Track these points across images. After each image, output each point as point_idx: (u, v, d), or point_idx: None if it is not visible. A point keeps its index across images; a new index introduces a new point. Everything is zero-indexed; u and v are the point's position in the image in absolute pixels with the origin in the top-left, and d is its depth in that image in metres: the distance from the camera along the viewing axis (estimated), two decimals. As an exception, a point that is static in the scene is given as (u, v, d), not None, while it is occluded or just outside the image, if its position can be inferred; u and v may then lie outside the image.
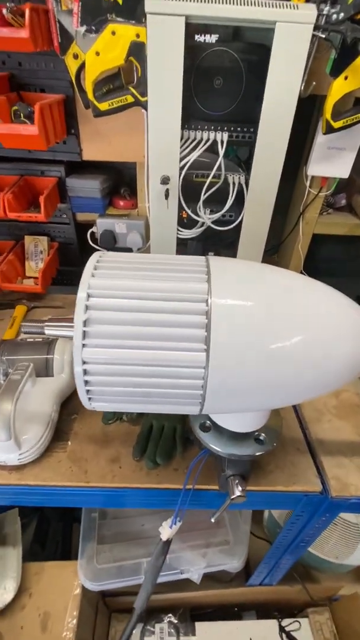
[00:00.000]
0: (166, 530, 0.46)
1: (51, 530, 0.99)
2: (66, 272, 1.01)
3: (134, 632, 0.54)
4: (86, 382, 0.32)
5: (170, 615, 0.93)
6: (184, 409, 0.35)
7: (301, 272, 1.06)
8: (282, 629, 0.92)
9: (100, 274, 0.33)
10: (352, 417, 0.66)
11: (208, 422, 0.46)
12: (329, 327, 0.33)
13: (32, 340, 0.69)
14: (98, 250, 0.94)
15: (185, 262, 0.34)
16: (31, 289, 0.89)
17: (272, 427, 0.47)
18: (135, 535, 0.78)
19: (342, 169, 0.84)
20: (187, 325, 0.31)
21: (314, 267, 1.17)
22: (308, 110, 0.84)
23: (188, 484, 0.48)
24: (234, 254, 0.89)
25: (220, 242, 0.91)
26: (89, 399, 0.35)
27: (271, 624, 0.93)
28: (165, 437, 0.58)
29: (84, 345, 0.32)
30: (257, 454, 0.44)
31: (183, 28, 0.58)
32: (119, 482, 0.53)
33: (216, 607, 0.97)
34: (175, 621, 0.92)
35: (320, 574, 1.02)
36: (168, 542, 0.47)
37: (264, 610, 0.98)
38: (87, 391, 0.33)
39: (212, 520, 0.49)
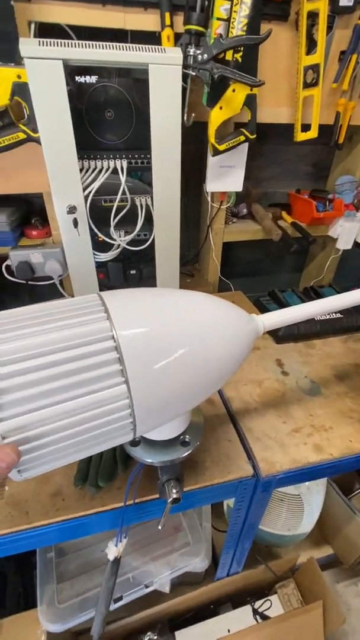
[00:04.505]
0: (112, 550, 0.47)
1: (9, 585, 0.93)
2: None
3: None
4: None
5: (149, 633, 0.92)
6: (118, 441, 0.36)
7: (220, 278, 1.15)
8: (255, 612, 0.98)
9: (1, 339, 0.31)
10: (273, 401, 0.74)
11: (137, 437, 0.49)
12: (214, 331, 0.39)
13: None
14: (16, 282, 0.92)
15: (82, 305, 0.35)
16: None
17: (194, 426, 0.51)
18: (96, 563, 0.77)
19: (235, 184, 0.94)
20: (101, 365, 0.32)
21: (230, 271, 1.28)
22: (203, 135, 0.92)
23: (128, 499, 0.50)
24: (154, 269, 0.94)
25: (140, 261, 0.96)
26: (18, 471, 0.32)
27: (245, 610, 0.98)
28: (106, 459, 0.59)
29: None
30: (184, 455, 0.48)
31: (62, 70, 0.61)
32: (62, 514, 0.53)
33: (194, 611, 0.99)
34: (155, 637, 0.92)
35: (280, 550, 1.10)
36: (117, 561, 0.49)
37: (238, 599, 1.03)
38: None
39: (160, 527, 0.52)
